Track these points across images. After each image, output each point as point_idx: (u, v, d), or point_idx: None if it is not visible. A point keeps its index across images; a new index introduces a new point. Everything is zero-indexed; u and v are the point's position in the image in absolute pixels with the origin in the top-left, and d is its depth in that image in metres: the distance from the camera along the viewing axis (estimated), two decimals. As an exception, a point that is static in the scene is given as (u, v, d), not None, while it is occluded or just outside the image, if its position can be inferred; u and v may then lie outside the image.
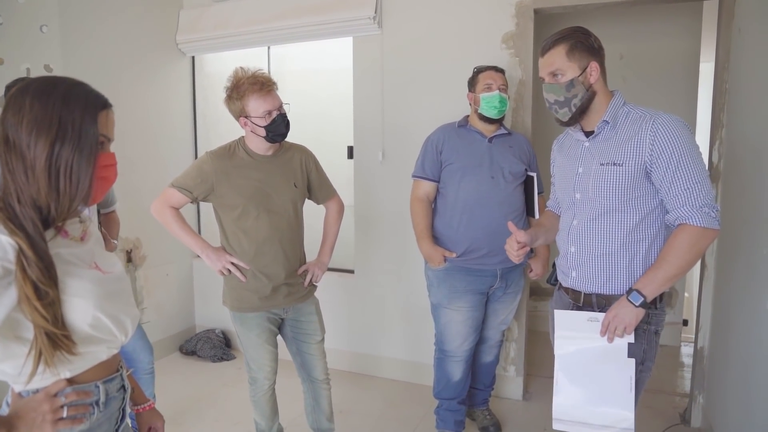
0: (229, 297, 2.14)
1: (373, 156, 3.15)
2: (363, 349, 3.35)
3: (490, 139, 2.42)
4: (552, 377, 1.62)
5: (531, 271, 2.57)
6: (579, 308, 1.64)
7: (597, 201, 1.57)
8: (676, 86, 3.58)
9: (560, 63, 1.55)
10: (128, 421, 1.17)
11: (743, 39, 2.27)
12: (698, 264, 2.66)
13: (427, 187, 2.47)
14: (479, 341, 2.57)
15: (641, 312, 1.49)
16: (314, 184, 2.24)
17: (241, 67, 2.03)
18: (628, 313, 1.49)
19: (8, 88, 0.99)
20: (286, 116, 2.05)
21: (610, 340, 1.52)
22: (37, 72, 2.78)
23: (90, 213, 2.10)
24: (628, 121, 1.55)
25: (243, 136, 2.12)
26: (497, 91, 2.34)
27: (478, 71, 2.43)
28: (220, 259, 2.07)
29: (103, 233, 2.27)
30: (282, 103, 2.06)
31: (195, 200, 2.09)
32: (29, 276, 0.91)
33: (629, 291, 1.50)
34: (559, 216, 1.85)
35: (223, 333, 3.71)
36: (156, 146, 3.49)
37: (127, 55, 3.27)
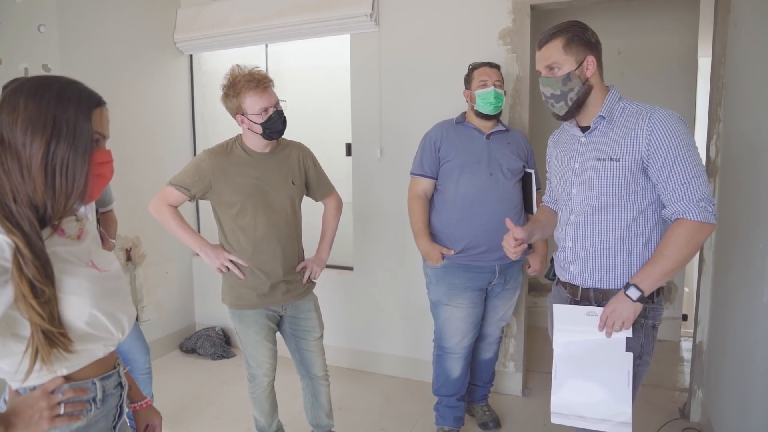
0: (228, 294, 2.14)
1: (371, 153, 3.15)
2: (362, 346, 3.36)
3: (488, 136, 2.42)
4: (551, 373, 1.62)
5: (529, 267, 2.57)
6: (577, 303, 1.64)
7: (594, 196, 1.58)
8: (674, 81, 3.58)
9: (557, 56, 1.56)
10: (125, 418, 1.18)
11: (739, 33, 2.27)
12: (697, 259, 2.66)
13: (425, 184, 2.47)
14: (478, 338, 2.57)
15: (639, 306, 1.49)
16: (312, 181, 2.25)
17: (238, 65, 2.03)
18: (626, 307, 1.49)
19: (5, 88, 0.99)
20: (282, 113, 2.05)
21: (608, 334, 1.52)
22: (36, 72, 2.78)
23: (87, 211, 2.11)
24: (624, 116, 1.55)
25: (240, 134, 2.13)
26: (492, 87, 2.34)
27: (473, 68, 2.43)
28: (219, 256, 2.08)
29: (101, 232, 2.28)
30: (278, 100, 2.06)
31: (193, 198, 2.09)
32: (25, 274, 0.92)
33: (627, 286, 1.51)
34: (555, 211, 1.85)
35: (222, 331, 3.72)
36: (154, 145, 3.49)
37: (125, 54, 3.27)
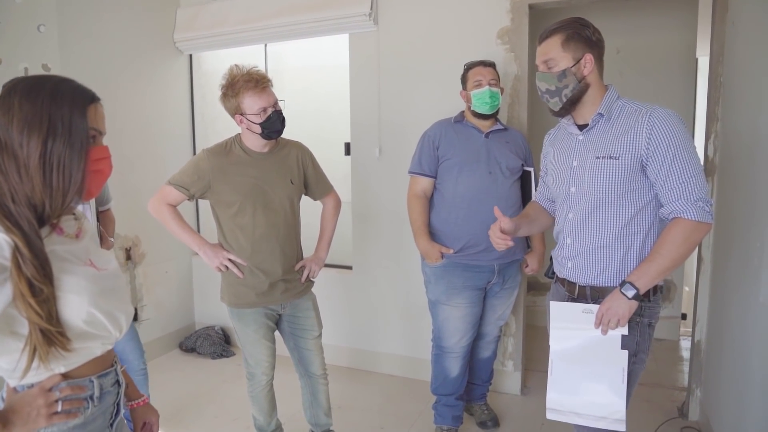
0: (227, 293, 2.15)
1: (369, 152, 3.15)
2: (361, 345, 3.37)
3: (487, 135, 2.42)
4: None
5: (527, 266, 2.57)
6: (574, 300, 1.65)
7: (592, 194, 1.58)
8: (672, 80, 3.58)
9: (554, 53, 1.56)
10: (123, 416, 1.18)
11: (737, 32, 2.28)
12: (696, 257, 2.66)
13: (424, 183, 2.47)
14: (477, 337, 2.58)
15: (634, 304, 1.50)
16: (311, 180, 2.25)
17: (236, 65, 2.04)
18: (622, 305, 1.50)
19: (4, 87, 1.00)
20: (281, 113, 2.06)
21: (604, 332, 1.53)
22: (35, 71, 2.79)
23: (86, 210, 2.12)
24: (623, 114, 1.56)
25: (239, 134, 2.13)
26: (487, 87, 2.34)
27: (468, 68, 2.43)
28: (218, 255, 2.08)
29: (100, 231, 2.28)
30: (277, 100, 2.06)
31: (192, 198, 2.10)
32: (24, 273, 0.92)
33: (622, 283, 1.51)
34: (545, 208, 1.86)
35: (222, 330, 3.73)
36: (154, 144, 3.50)
37: (125, 53, 3.27)
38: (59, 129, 0.96)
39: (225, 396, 3.06)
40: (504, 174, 2.39)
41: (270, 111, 2.02)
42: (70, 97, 0.98)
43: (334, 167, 3.09)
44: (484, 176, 2.36)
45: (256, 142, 2.08)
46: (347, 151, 3.30)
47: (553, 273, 1.79)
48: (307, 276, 2.21)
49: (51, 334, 0.95)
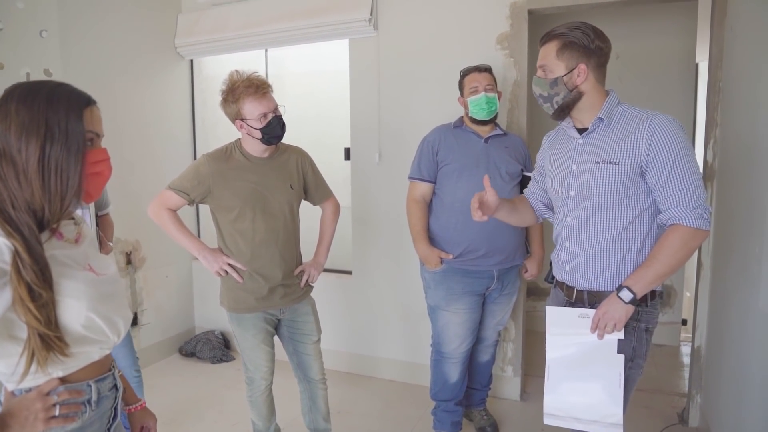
0: (226, 298, 2.15)
1: (369, 157, 3.16)
2: (361, 350, 3.36)
3: (486, 140, 2.42)
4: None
5: (526, 271, 2.57)
6: (571, 304, 1.65)
7: (591, 199, 1.58)
8: (672, 85, 3.58)
9: (549, 60, 1.57)
10: (120, 421, 1.18)
11: (736, 37, 2.28)
12: (696, 263, 2.66)
13: (423, 189, 2.48)
14: (475, 341, 2.58)
15: (631, 309, 1.50)
16: (310, 185, 2.26)
17: (237, 71, 2.05)
18: (618, 309, 1.50)
19: (5, 92, 1.01)
20: (281, 118, 2.07)
21: (600, 336, 1.53)
22: (37, 76, 2.80)
23: (85, 214, 2.12)
24: (623, 120, 1.56)
25: (239, 139, 2.14)
26: (483, 93, 2.34)
27: (463, 75, 2.44)
28: (217, 260, 2.09)
29: (99, 236, 2.29)
30: (277, 106, 2.07)
31: (192, 202, 2.10)
32: (24, 278, 0.93)
33: (619, 287, 1.52)
34: (532, 205, 1.89)
35: (222, 334, 3.73)
36: (155, 149, 3.51)
37: (126, 58, 3.29)
38: (56, 133, 0.96)
39: (224, 401, 3.06)
40: (503, 179, 2.39)
41: (270, 116, 2.02)
42: (66, 101, 0.99)
43: (334, 172, 3.10)
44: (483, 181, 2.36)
45: (256, 148, 2.09)
46: (347, 156, 3.31)
47: (553, 278, 1.79)
48: (307, 281, 2.22)
49: (49, 338, 0.96)
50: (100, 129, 1.05)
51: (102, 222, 2.39)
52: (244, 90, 1.99)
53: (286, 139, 2.15)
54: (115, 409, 1.15)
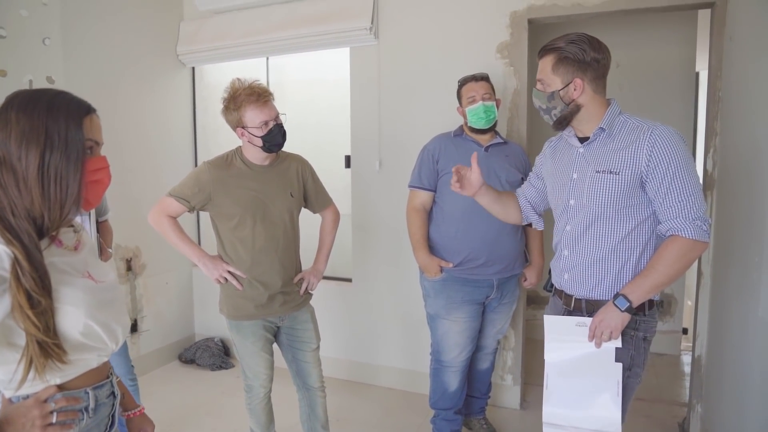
0: (226, 305, 2.15)
1: (370, 165, 3.17)
2: (360, 358, 3.36)
3: (487, 148, 2.43)
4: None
5: (525, 280, 2.57)
6: (570, 313, 1.65)
7: (591, 208, 1.59)
8: (672, 94, 3.59)
9: (546, 74, 1.58)
10: (117, 428, 1.18)
11: (735, 47, 2.29)
12: (696, 272, 2.66)
13: (423, 197, 2.48)
14: (475, 349, 2.57)
15: (627, 317, 1.50)
16: (310, 193, 2.26)
17: (238, 79, 2.06)
18: (614, 317, 1.50)
19: (6, 100, 1.02)
20: (282, 126, 2.08)
21: (598, 345, 1.53)
22: (40, 83, 2.82)
23: (85, 221, 2.13)
24: (625, 130, 1.56)
25: (240, 146, 2.15)
26: (480, 102, 2.35)
27: (461, 84, 2.45)
28: (217, 267, 2.09)
29: (99, 243, 2.30)
30: (278, 114, 2.08)
31: (192, 210, 2.11)
32: (23, 285, 0.93)
33: (616, 296, 1.52)
34: (520, 205, 1.92)
35: (222, 341, 3.73)
36: (156, 156, 3.52)
37: (129, 66, 3.31)
38: (56, 141, 0.97)
39: (223, 408, 3.05)
40: (504, 187, 2.39)
41: (271, 124, 2.03)
42: (66, 110, 1.00)
43: (335, 180, 3.11)
44: None
45: (256, 155, 2.10)
46: (347, 164, 3.32)
47: (552, 286, 1.79)
48: (306, 288, 2.22)
49: (48, 345, 0.96)
50: (100, 137, 1.06)
51: (101, 228, 2.39)
52: (245, 98, 2.00)
53: (287, 147, 2.15)
54: (113, 416, 1.15)
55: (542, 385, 1.63)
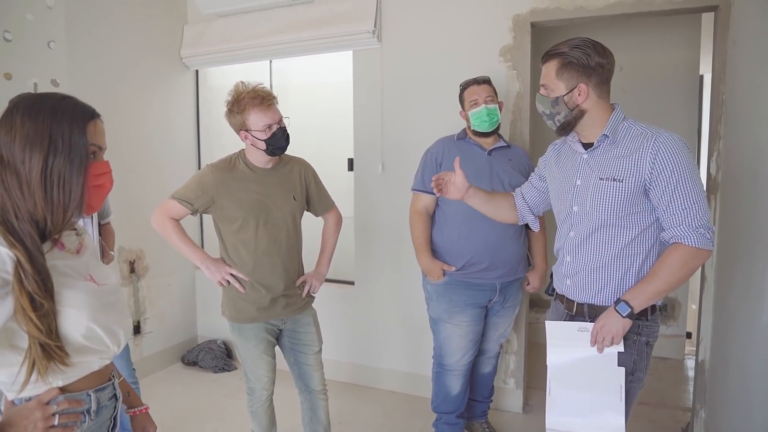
0: (228, 308, 2.16)
1: (372, 168, 3.17)
2: (362, 361, 3.35)
3: (490, 152, 2.42)
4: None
5: (528, 284, 2.56)
6: (572, 317, 1.65)
7: (594, 215, 1.58)
8: (676, 97, 3.59)
9: (549, 79, 1.58)
10: (119, 430, 1.19)
11: (738, 51, 2.29)
12: (699, 276, 2.65)
13: (426, 200, 2.47)
14: (478, 353, 2.56)
15: (628, 323, 1.50)
16: (313, 196, 2.27)
17: (242, 82, 2.07)
18: (615, 323, 1.50)
19: (10, 103, 1.02)
20: (285, 130, 2.08)
21: (600, 350, 1.53)
22: (44, 86, 2.84)
23: (87, 224, 2.14)
24: (628, 136, 1.55)
25: (243, 149, 2.15)
26: (483, 106, 2.34)
27: (463, 88, 2.44)
28: (220, 270, 2.09)
29: (102, 245, 2.30)
30: (282, 117, 2.09)
31: (195, 212, 2.11)
32: (26, 288, 0.94)
33: (617, 301, 1.52)
34: (516, 205, 1.92)
35: (224, 344, 3.73)
36: (159, 158, 3.54)
37: (132, 68, 3.33)
38: (60, 146, 0.98)
39: (225, 410, 3.05)
40: (506, 191, 2.39)
41: (275, 128, 2.04)
42: (71, 114, 1.01)
43: (338, 183, 3.11)
44: None
45: (260, 158, 2.10)
46: (350, 167, 3.32)
47: (553, 290, 1.78)
48: (308, 291, 2.22)
49: (50, 348, 0.96)
50: (103, 142, 1.07)
51: (104, 231, 2.40)
52: (249, 101, 2.01)
53: (290, 150, 2.16)
54: (114, 418, 1.15)
55: (545, 389, 1.62)
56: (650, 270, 1.52)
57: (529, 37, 2.77)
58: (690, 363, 3.67)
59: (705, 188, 2.54)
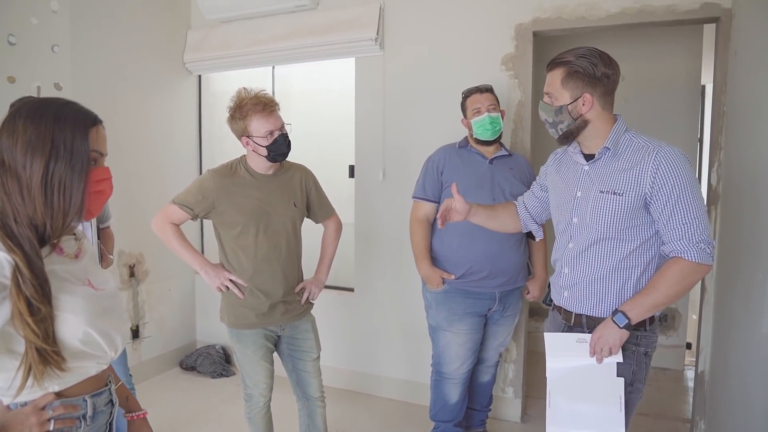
0: (227, 313, 2.15)
1: (373, 175, 3.18)
2: (361, 368, 3.34)
3: (491, 161, 2.42)
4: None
5: (528, 293, 2.56)
6: (570, 328, 1.65)
7: (594, 227, 1.58)
8: (678, 106, 3.59)
9: (554, 87, 1.57)
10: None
11: (739, 62, 2.30)
12: (699, 287, 2.64)
13: (427, 208, 2.47)
14: (477, 362, 2.55)
15: (625, 333, 1.50)
16: (313, 203, 2.27)
17: (244, 88, 2.07)
18: (612, 334, 1.50)
19: (11, 107, 1.03)
20: (287, 136, 2.08)
21: (599, 360, 1.52)
22: (48, 90, 2.85)
23: (86, 228, 2.14)
24: (630, 149, 1.55)
25: (244, 155, 2.16)
26: (486, 114, 2.35)
27: (465, 96, 2.45)
28: (219, 275, 2.09)
29: (101, 249, 2.30)
30: (284, 124, 2.09)
31: (196, 217, 2.11)
32: (23, 292, 0.94)
33: (615, 312, 1.52)
34: (519, 214, 1.92)
35: (223, 349, 3.72)
36: (161, 163, 3.54)
37: (135, 73, 3.34)
38: (61, 151, 0.98)
39: (223, 416, 3.04)
40: (508, 200, 2.39)
41: (276, 134, 2.04)
42: (73, 120, 1.01)
43: (338, 189, 3.12)
44: (488, 202, 2.36)
45: (261, 164, 2.11)
46: (351, 174, 3.32)
47: (551, 300, 1.78)
48: (307, 298, 2.22)
49: (47, 353, 0.96)
50: (105, 148, 1.07)
51: (103, 235, 2.40)
52: (251, 107, 2.01)
53: (292, 156, 2.16)
54: (110, 424, 1.15)
55: (544, 399, 1.62)
56: (649, 282, 1.52)
57: (531, 46, 2.78)
58: (690, 374, 3.66)
59: (706, 199, 2.55)
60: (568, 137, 1.59)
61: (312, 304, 2.27)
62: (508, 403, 2.98)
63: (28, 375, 0.96)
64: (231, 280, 2.09)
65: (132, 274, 3.38)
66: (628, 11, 2.58)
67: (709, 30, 3.30)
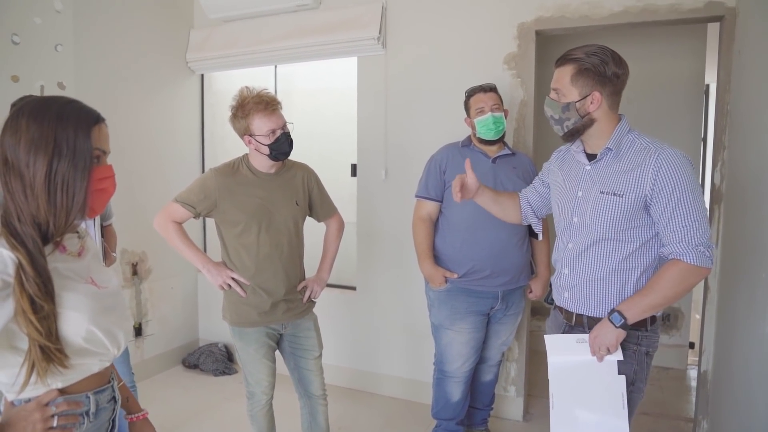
0: (229, 312, 2.16)
1: (376, 174, 3.18)
2: (363, 366, 3.35)
3: (494, 160, 2.42)
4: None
5: (530, 292, 2.56)
6: (571, 328, 1.65)
7: (594, 228, 1.57)
8: (682, 106, 3.58)
9: (563, 84, 1.55)
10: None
11: (743, 61, 2.29)
12: (702, 286, 2.64)
13: (429, 207, 2.48)
14: (479, 360, 2.56)
15: (622, 333, 1.50)
16: (315, 202, 2.27)
17: (247, 87, 2.07)
18: (608, 333, 1.50)
19: (13, 106, 1.03)
20: (289, 135, 2.09)
21: (599, 359, 1.53)
22: (51, 89, 2.86)
23: (89, 226, 2.14)
24: (632, 150, 1.54)
25: (247, 154, 2.16)
26: (489, 114, 2.35)
27: (468, 95, 2.44)
28: (221, 274, 2.10)
29: (104, 247, 2.31)
30: (286, 122, 2.09)
31: (198, 216, 2.12)
32: (26, 290, 0.94)
33: (611, 311, 1.52)
34: (520, 206, 1.93)
35: (225, 347, 3.73)
36: (164, 161, 3.55)
37: (138, 72, 3.35)
38: (64, 150, 0.98)
39: (225, 414, 3.05)
40: (511, 196, 2.39)
41: (279, 133, 2.04)
42: (76, 119, 1.01)
43: (341, 188, 3.12)
44: None
45: (263, 163, 2.11)
46: (353, 173, 3.33)
47: (553, 299, 1.78)
48: (309, 296, 2.22)
49: (50, 350, 0.97)
50: (107, 146, 1.07)
51: (106, 233, 2.41)
52: (253, 106, 2.02)
53: (294, 155, 2.16)
54: (113, 420, 1.16)
55: (546, 398, 1.62)
56: (647, 283, 1.52)
57: (534, 46, 2.77)
58: (693, 373, 3.65)
59: (709, 198, 2.55)
60: (573, 135, 1.58)
61: (314, 303, 2.28)
62: (510, 402, 2.98)
63: (32, 372, 0.96)
64: (233, 279, 2.09)
65: (135, 272, 3.39)
66: (632, 10, 2.57)
67: (712, 29, 3.29)
